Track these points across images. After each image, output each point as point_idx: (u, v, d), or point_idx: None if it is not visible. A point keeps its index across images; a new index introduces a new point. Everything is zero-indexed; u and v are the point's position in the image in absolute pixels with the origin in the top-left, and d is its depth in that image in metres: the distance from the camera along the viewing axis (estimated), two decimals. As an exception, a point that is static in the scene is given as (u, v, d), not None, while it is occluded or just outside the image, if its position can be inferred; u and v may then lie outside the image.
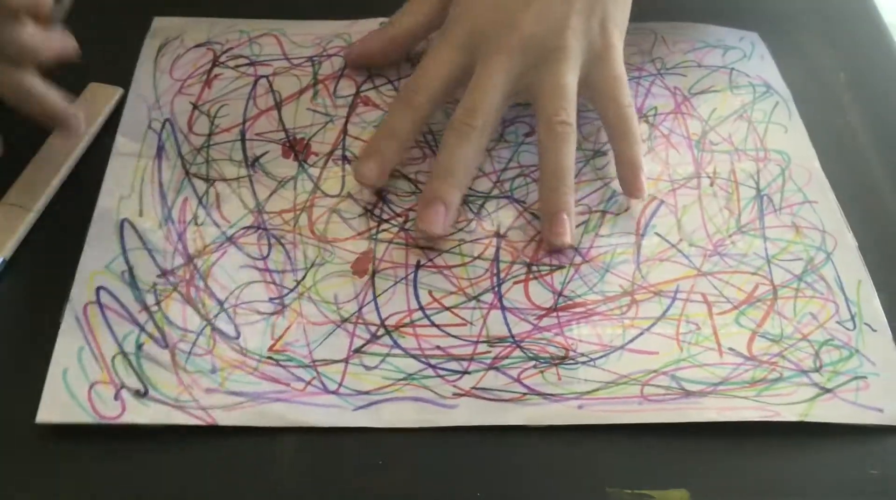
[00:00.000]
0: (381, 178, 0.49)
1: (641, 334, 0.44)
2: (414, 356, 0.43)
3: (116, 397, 0.40)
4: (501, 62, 0.48)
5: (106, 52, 0.55)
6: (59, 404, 0.40)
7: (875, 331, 0.45)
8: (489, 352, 0.43)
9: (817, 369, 0.43)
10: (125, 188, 0.48)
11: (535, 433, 0.41)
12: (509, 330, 0.44)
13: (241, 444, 0.40)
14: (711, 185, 0.51)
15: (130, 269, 0.45)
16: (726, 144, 0.53)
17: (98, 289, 0.44)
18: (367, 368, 0.42)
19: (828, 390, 0.43)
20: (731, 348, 0.44)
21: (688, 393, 0.42)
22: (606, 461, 0.41)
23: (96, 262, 0.45)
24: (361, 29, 0.58)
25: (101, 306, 0.43)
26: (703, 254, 0.48)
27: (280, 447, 0.40)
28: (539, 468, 0.40)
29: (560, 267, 0.47)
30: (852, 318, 0.45)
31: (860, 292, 0.46)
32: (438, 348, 0.43)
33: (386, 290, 0.45)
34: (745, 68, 0.58)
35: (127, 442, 0.40)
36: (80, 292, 0.44)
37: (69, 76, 0.51)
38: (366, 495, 0.39)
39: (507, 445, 0.41)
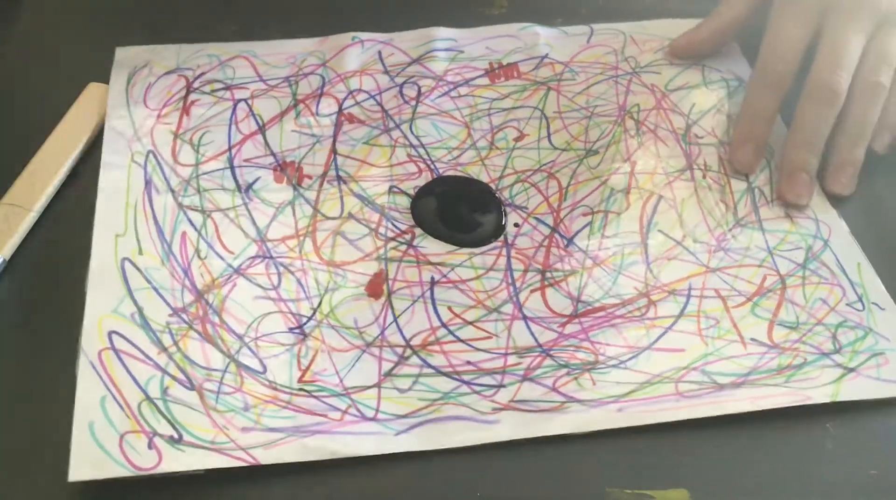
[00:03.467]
0: (759, 161, 0.52)
1: (665, 333, 0.45)
2: (446, 374, 0.42)
3: (150, 445, 0.38)
4: (854, 27, 0.51)
5: (104, 53, 0.54)
6: (90, 459, 0.38)
7: (883, 309, 0.46)
8: (520, 363, 0.43)
9: (838, 351, 0.44)
10: (119, 226, 0.46)
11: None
12: (536, 340, 0.44)
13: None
14: (704, 177, 0.52)
15: (140, 310, 0.43)
16: (711, 137, 0.54)
17: (110, 334, 0.42)
18: (401, 391, 0.42)
19: (851, 370, 0.44)
20: (753, 339, 0.45)
21: (721, 386, 0.43)
22: (606, 461, 0.41)
23: (103, 306, 0.43)
24: (333, 45, 0.57)
25: (116, 351, 0.41)
26: (709, 250, 0.48)
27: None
28: (539, 468, 0.40)
29: (573, 272, 0.47)
30: (860, 299, 0.47)
31: (862, 274, 0.48)
32: (469, 363, 0.43)
33: (405, 310, 0.45)
34: (716, 64, 0.59)
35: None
36: (92, 339, 0.42)
37: (69, 76, 0.50)
38: (366, 495, 0.39)
39: (506, 445, 0.41)
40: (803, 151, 0.51)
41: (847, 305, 0.46)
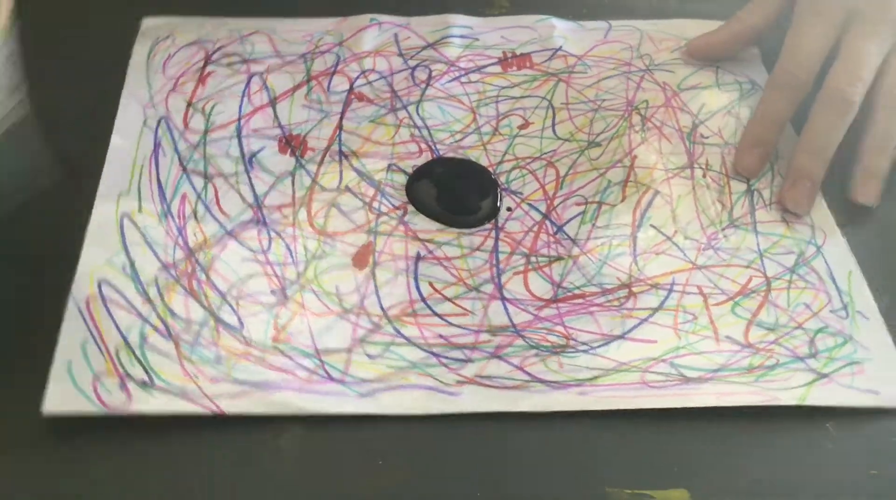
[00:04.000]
0: (763, 167, 0.52)
1: (640, 324, 0.45)
2: (417, 345, 0.43)
3: (122, 387, 0.40)
4: (876, 38, 0.50)
5: (99, 52, 0.56)
6: (64, 395, 0.40)
7: (868, 319, 0.46)
8: (491, 341, 0.44)
9: (813, 356, 0.44)
10: (123, 185, 0.48)
11: (535, 432, 0.41)
12: (510, 320, 0.45)
13: (245, 437, 0.40)
14: (704, 176, 0.52)
15: (132, 262, 0.45)
16: (717, 138, 0.54)
17: (100, 283, 0.44)
18: (371, 357, 0.43)
19: (824, 376, 0.43)
20: (727, 337, 0.45)
21: (687, 379, 0.43)
22: (606, 462, 0.41)
23: (97, 257, 0.45)
24: (352, 25, 0.58)
25: (103, 299, 0.43)
26: (698, 248, 0.48)
27: (283, 440, 0.40)
28: (538, 467, 0.41)
29: (559, 259, 0.47)
30: (845, 307, 0.46)
31: (851, 283, 0.47)
32: (441, 337, 0.44)
33: (387, 282, 0.46)
34: (731, 66, 0.58)
35: (131, 435, 0.40)
36: (82, 286, 0.43)
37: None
38: (366, 491, 0.39)
39: (506, 444, 0.41)
40: (811, 158, 0.51)
41: (831, 312, 0.46)
